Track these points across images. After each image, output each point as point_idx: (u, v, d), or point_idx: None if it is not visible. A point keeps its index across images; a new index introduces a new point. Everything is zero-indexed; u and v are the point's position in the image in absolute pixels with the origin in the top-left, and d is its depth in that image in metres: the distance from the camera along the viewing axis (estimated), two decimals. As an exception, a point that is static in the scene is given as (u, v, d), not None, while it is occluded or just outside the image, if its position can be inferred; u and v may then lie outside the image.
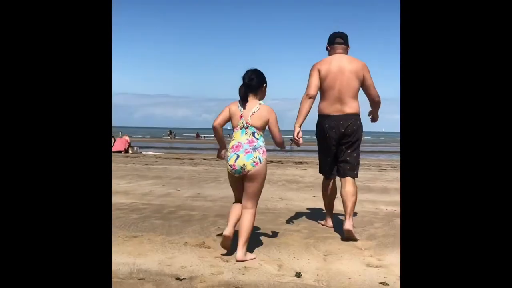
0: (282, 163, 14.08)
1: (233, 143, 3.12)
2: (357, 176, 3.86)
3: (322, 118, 3.85)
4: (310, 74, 3.76)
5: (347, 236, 3.66)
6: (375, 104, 3.97)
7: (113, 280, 2.64)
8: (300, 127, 3.74)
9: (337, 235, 3.88)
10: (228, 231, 3.09)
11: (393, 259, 3.14)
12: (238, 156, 3.06)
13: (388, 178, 9.26)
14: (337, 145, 3.81)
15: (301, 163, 13.06)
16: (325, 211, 4.36)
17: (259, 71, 3.20)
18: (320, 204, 4.91)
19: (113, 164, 11.70)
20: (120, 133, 22.52)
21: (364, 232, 4.04)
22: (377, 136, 78.86)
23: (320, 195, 4.48)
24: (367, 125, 3.96)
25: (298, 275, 2.78)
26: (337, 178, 4.03)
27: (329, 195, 4.14)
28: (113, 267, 2.87)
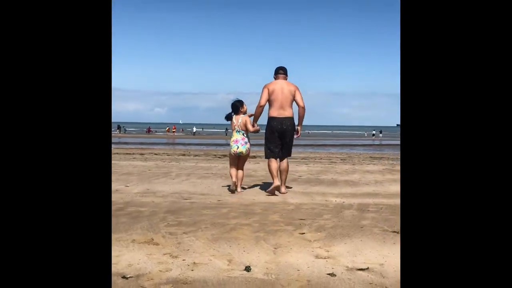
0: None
1: (233, 138, 6.06)
2: (290, 156, 6.06)
3: (271, 119, 5.85)
4: (262, 91, 5.82)
5: (275, 190, 5.86)
6: (300, 112, 5.93)
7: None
8: (255, 124, 6.13)
9: (287, 228, 3.92)
10: (234, 182, 6.05)
11: (341, 250, 3.22)
12: (238, 147, 5.97)
13: (337, 171, 9.48)
14: (279, 137, 5.85)
15: (254, 157, 13.08)
16: (272, 183, 5.95)
17: (239, 101, 6.08)
18: (272, 198, 5.65)
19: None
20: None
21: (313, 223, 4.11)
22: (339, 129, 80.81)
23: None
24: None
25: (247, 269, 2.78)
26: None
27: (275, 168, 5.89)
28: (55, 268, 2.75)
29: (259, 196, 5.83)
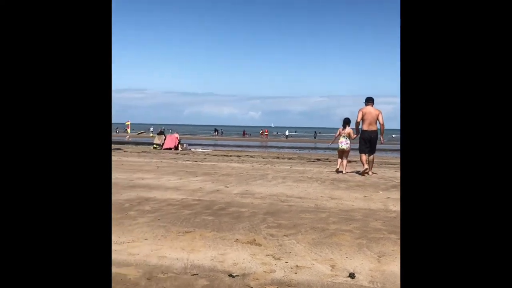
0: (330, 161, 13.90)
1: (340, 140, 9.76)
2: (374, 152, 9.50)
3: (363, 132, 9.30)
4: (358, 113, 9.29)
5: (364, 172, 9.33)
6: (381, 128, 9.37)
7: (168, 275, 2.71)
8: (357, 134, 9.65)
9: (390, 236, 3.77)
10: (339, 168, 9.83)
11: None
12: (342, 145, 9.68)
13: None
14: (368, 142, 9.27)
15: (349, 162, 12.78)
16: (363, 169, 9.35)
17: (348, 118, 9.84)
18: (371, 205, 5.55)
19: (164, 161, 12.04)
20: (170, 130, 23.11)
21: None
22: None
23: (369, 194, 6.50)
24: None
25: (351, 276, 2.73)
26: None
27: (364, 159, 9.28)
28: (168, 262, 2.95)
29: (357, 202, 5.69)
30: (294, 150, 24.29)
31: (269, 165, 11.55)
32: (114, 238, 3.53)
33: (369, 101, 9.31)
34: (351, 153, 10.01)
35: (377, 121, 9.18)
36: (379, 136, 9.44)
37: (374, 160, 9.68)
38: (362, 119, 9.25)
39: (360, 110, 9.30)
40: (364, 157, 9.27)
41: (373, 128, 9.22)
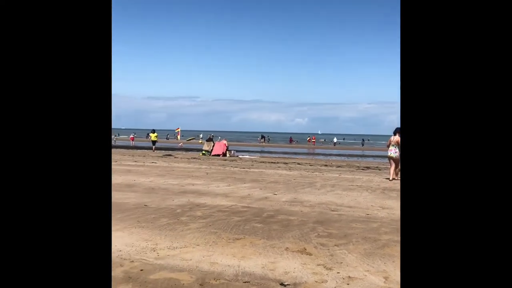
0: (380, 169, 13.57)
1: (389, 148, 10.31)
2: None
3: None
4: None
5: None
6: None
7: (220, 281, 2.75)
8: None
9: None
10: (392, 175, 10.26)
11: None
12: (391, 153, 10.22)
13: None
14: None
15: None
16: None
17: (399, 128, 9.99)
18: None
19: (213, 167, 12.25)
20: (219, 137, 23.50)
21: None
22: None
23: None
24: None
25: (406, 289, 2.64)
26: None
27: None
28: (219, 269, 2.99)
29: (410, 212, 5.50)
30: (343, 158, 23.92)
31: (317, 173, 11.45)
32: (167, 243, 3.64)
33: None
34: None
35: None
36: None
37: None
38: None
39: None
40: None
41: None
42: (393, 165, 10.24)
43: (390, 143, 10.35)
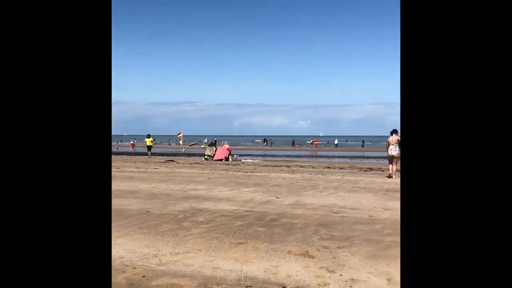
0: (382, 171, 13.54)
1: (390, 147, 11.13)
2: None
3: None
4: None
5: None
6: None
7: (222, 286, 2.74)
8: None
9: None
10: (389, 173, 11.06)
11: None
12: (392, 152, 11.02)
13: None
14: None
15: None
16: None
17: (396, 129, 11.12)
18: None
19: (215, 172, 12.25)
20: (222, 142, 23.48)
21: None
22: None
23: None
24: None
25: (410, 291, 2.62)
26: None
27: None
28: (221, 274, 2.98)
29: (413, 212, 5.49)
30: (345, 160, 23.87)
31: (320, 175, 11.43)
32: (169, 249, 3.63)
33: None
34: None
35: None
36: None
37: None
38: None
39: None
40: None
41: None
42: (395, 163, 10.95)
43: (389, 144, 11.07)
